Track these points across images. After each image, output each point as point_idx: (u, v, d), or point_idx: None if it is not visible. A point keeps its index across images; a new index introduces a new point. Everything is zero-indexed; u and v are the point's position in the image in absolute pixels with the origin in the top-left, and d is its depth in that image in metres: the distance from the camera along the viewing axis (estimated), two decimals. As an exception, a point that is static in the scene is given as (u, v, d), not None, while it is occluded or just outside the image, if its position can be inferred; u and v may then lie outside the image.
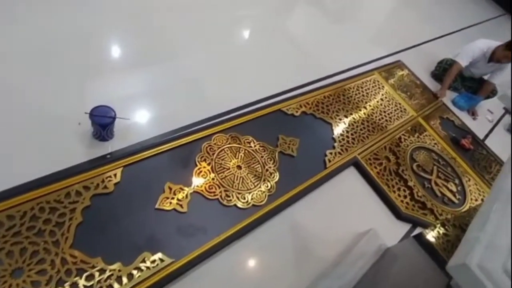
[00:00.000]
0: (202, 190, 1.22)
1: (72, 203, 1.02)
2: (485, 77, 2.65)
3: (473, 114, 2.57)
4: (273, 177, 1.39)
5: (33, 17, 1.53)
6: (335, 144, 1.67)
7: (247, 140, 1.45)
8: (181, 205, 1.15)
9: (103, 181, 1.08)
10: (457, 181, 1.92)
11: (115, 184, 1.10)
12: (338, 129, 1.77)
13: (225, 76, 1.78)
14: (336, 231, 1.39)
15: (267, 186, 1.35)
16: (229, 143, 1.40)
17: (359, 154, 1.69)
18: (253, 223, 1.22)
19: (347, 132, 1.78)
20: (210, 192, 1.23)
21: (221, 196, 1.24)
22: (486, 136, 2.49)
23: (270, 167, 1.41)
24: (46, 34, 1.48)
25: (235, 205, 1.24)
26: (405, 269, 1.22)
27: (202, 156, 1.31)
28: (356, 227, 1.43)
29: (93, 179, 1.07)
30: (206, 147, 1.34)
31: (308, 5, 2.84)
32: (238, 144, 1.42)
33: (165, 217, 1.12)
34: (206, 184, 1.24)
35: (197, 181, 1.23)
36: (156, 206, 1.12)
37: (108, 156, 1.15)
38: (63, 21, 1.58)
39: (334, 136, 1.71)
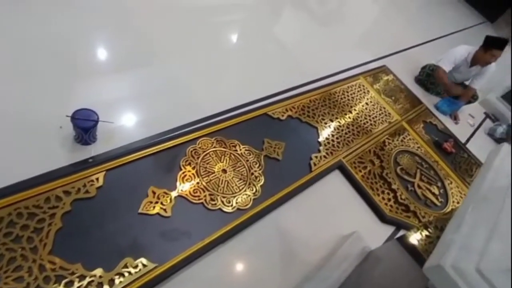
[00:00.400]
0: (186, 194, 1.23)
1: (51, 208, 1.01)
2: (466, 83, 2.77)
3: (455, 118, 2.68)
4: (259, 181, 1.41)
5: (14, 18, 1.51)
6: (321, 148, 1.71)
7: (233, 144, 1.47)
8: (165, 210, 1.16)
9: (84, 185, 1.08)
10: (439, 184, 1.99)
11: (98, 188, 1.09)
12: (324, 133, 1.81)
13: (211, 79, 1.80)
14: (320, 234, 1.42)
15: (253, 190, 1.37)
16: (214, 147, 1.42)
17: (344, 157, 1.74)
18: (238, 227, 1.24)
19: (333, 136, 1.82)
20: (195, 196, 1.24)
21: (205, 200, 1.25)
22: (468, 140, 2.60)
23: (255, 171, 1.44)
24: (27, 36, 1.46)
25: (220, 209, 1.26)
26: (388, 271, 1.26)
27: (187, 160, 1.32)
28: (340, 230, 1.47)
29: (74, 183, 1.07)
30: (191, 151, 1.35)
31: (295, 9, 2.90)
32: (224, 148, 1.44)
33: (149, 222, 1.12)
34: (191, 188, 1.25)
35: (182, 185, 1.24)
36: (140, 211, 1.12)
37: (91, 160, 1.15)
38: (45, 22, 1.57)
39: (319, 140, 1.75)
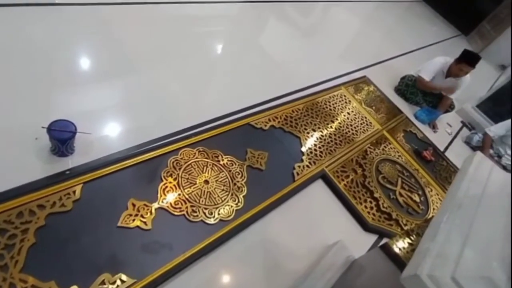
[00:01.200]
0: (167, 206, 1.23)
1: (24, 223, 0.99)
2: (443, 92, 2.92)
3: (433, 127, 2.81)
4: (241, 191, 1.43)
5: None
6: (304, 157, 1.76)
7: (215, 154, 1.49)
8: (145, 222, 1.16)
9: (60, 198, 1.06)
10: (420, 192, 2.07)
11: (74, 201, 1.08)
12: (307, 142, 1.86)
13: (193, 90, 1.83)
14: (305, 244, 1.45)
15: (235, 201, 1.39)
16: (196, 158, 1.43)
17: (326, 167, 1.79)
18: (220, 239, 1.25)
19: (315, 145, 1.88)
20: (176, 208, 1.24)
21: (187, 212, 1.25)
22: (446, 148, 2.73)
23: (238, 181, 1.46)
24: (2, 43, 1.45)
25: (202, 220, 1.26)
26: (372, 279, 1.29)
27: (168, 171, 1.33)
28: (324, 239, 1.50)
29: (49, 197, 1.05)
30: (173, 162, 1.36)
31: (278, 21, 3.00)
32: (206, 158, 1.45)
33: (128, 235, 1.11)
34: (172, 200, 1.26)
35: (163, 197, 1.24)
36: (119, 224, 1.11)
37: (68, 172, 1.13)
38: (21, 29, 1.56)
39: (302, 149, 1.80)
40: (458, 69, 2.62)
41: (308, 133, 1.92)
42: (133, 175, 1.25)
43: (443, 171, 2.37)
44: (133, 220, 1.14)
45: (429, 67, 2.73)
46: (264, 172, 1.57)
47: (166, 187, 1.28)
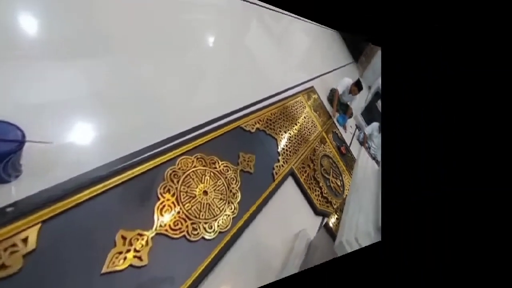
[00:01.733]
0: (166, 230, 0.76)
1: None
2: (348, 103, 3.05)
3: (345, 128, 2.91)
4: (236, 198, 1.05)
5: None
6: (280, 158, 1.46)
7: (212, 161, 1.03)
8: (139, 257, 0.68)
9: (-3, 261, 0.47)
10: (340, 178, 2.10)
11: (25, 255, 0.50)
12: (281, 143, 1.56)
13: (184, 89, 1.19)
14: (286, 237, 1.21)
15: (231, 209, 1.00)
16: (194, 166, 0.94)
17: (294, 164, 1.55)
18: (219, 254, 0.88)
19: (287, 145, 1.59)
20: (176, 230, 0.79)
21: (187, 232, 0.82)
22: (350, 144, 2.88)
23: (233, 188, 1.06)
24: None
25: (202, 237, 0.85)
26: (323, 254, 1.19)
27: (165, 186, 0.82)
28: (296, 231, 1.29)
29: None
30: (170, 174, 0.85)
31: (257, 27, 2.39)
32: (204, 166, 0.98)
33: (118, 281, 0.62)
34: (171, 220, 0.79)
35: (160, 220, 0.76)
36: (103, 271, 0.60)
37: (9, 209, 0.51)
38: None
39: (278, 150, 1.49)
40: (353, 89, 2.81)
41: (282, 134, 1.61)
42: (120, 198, 0.70)
43: (350, 161, 2.47)
44: (124, 258, 0.65)
45: (340, 84, 2.82)
46: (253, 175, 1.20)
47: (164, 206, 0.79)
